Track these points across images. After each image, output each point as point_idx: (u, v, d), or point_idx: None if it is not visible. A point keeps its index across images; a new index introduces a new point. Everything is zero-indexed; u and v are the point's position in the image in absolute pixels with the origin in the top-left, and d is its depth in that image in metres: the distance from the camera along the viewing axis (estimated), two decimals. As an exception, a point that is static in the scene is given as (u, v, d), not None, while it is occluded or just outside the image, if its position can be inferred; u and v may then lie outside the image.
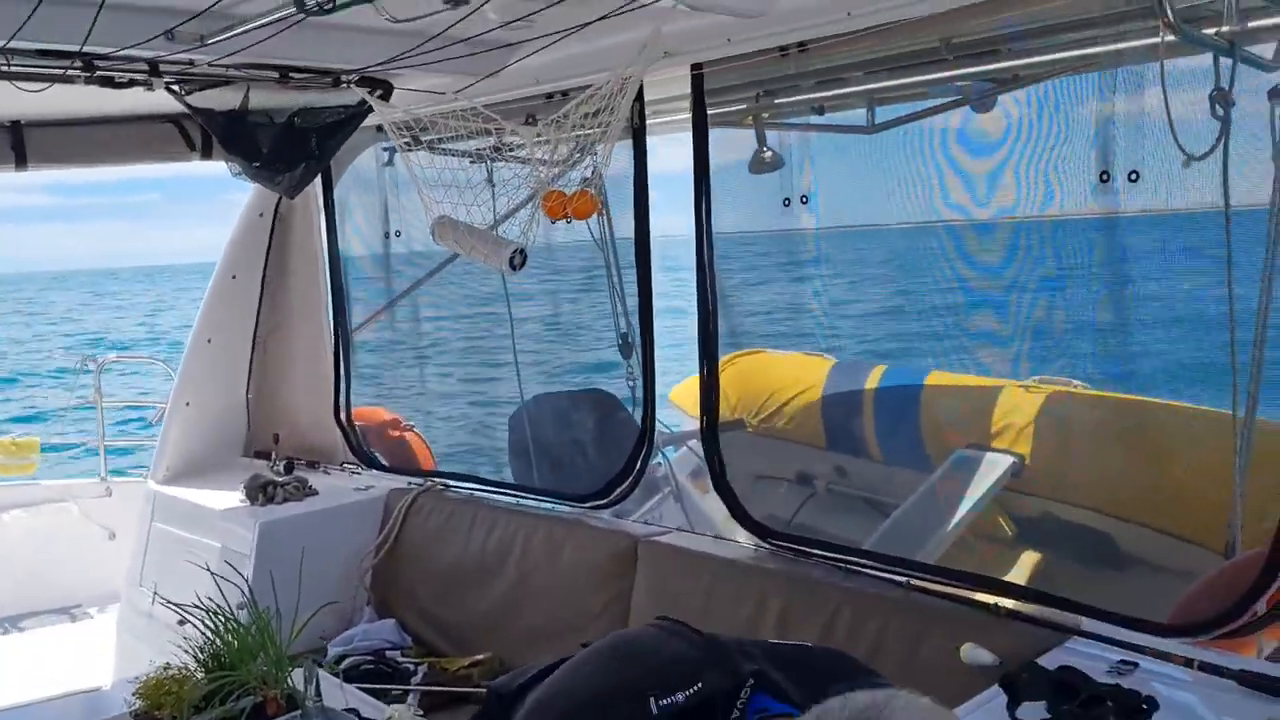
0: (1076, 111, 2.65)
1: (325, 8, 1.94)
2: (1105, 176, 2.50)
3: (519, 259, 2.71)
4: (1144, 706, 1.75)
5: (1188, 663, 2.02)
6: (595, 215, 2.90)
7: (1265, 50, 2.39)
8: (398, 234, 4.32)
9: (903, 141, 3.26)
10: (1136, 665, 2.05)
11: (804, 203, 3.32)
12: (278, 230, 4.43)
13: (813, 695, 1.27)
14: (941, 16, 2.50)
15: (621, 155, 3.35)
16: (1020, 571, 3.38)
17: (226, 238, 4.42)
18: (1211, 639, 2.09)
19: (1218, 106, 2.37)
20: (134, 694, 2.45)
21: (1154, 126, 2.43)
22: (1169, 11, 2.16)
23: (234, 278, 4.39)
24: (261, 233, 4.39)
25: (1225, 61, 2.37)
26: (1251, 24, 2.31)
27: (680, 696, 1.28)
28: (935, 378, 4.09)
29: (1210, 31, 2.33)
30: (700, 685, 1.30)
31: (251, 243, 4.40)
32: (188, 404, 4.42)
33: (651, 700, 1.27)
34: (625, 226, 3.53)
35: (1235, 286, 2.45)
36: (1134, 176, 2.44)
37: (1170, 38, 2.21)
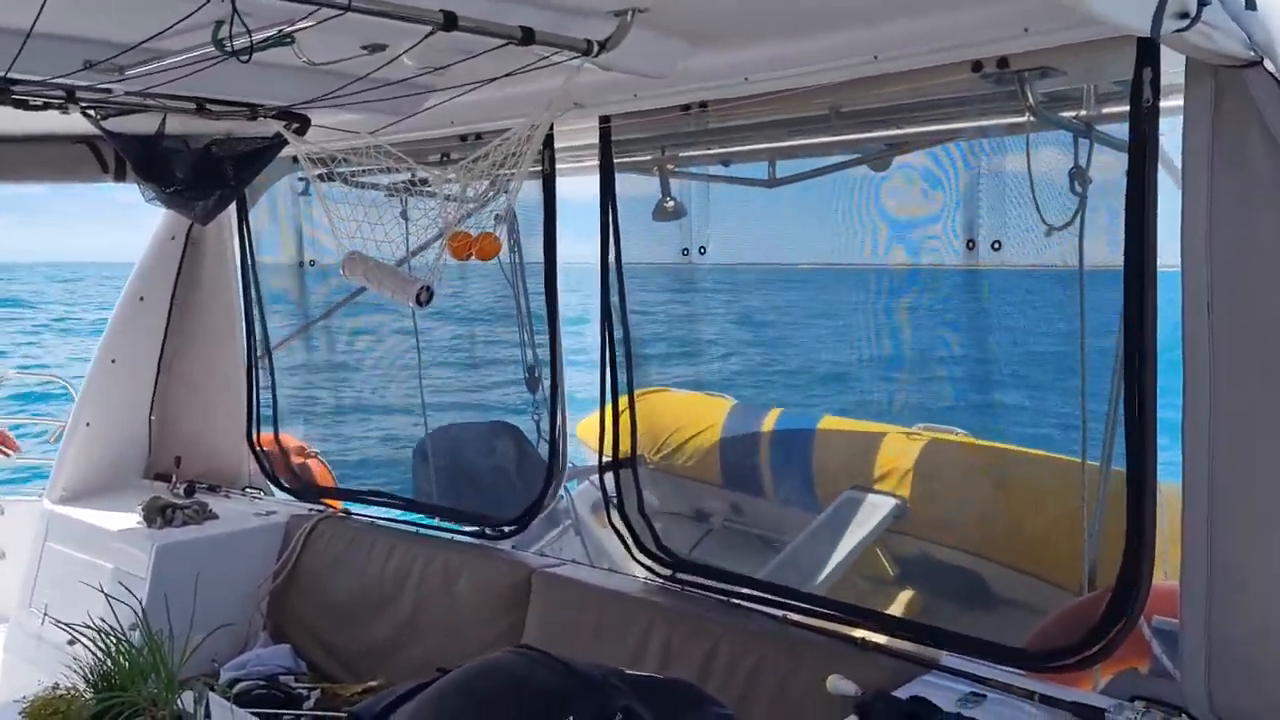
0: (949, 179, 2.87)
1: (244, 55, 2.02)
2: (971, 244, 2.70)
3: (425, 295, 2.80)
4: (982, 734, 1.90)
5: (1029, 695, 2.19)
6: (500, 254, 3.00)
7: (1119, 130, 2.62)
8: (312, 263, 4.37)
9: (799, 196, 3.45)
10: (985, 697, 2.21)
11: (701, 253, 3.49)
12: (189, 254, 4.44)
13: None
14: (831, 87, 2.69)
15: (533, 188, 3.48)
16: (898, 608, 3.55)
17: (136, 259, 4.43)
18: (1056, 670, 2.27)
19: (1076, 184, 2.60)
20: (20, 713, 2.46)
21: (1018, 198, 2.65)
22: (1030, 97, 2.38)
23: (141, 299, 4.39)
24: (172, 256, 4.40)
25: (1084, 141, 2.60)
26: (1105, 110, 2.54)
27: None
28: (827, 422, 4.28)
29: (1069, 115, 2.56)
30: (571, 718, 1.34)
31: (161, 266, 4.40)
32: (88, 424, 4.39)
33: None
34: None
35: (1089, 339, 2.67)
36: (997, 245, 2.64)
37: (1031, 118, 2.43)
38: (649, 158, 3.55)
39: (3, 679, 4.30)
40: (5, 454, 4.06)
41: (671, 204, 3.53)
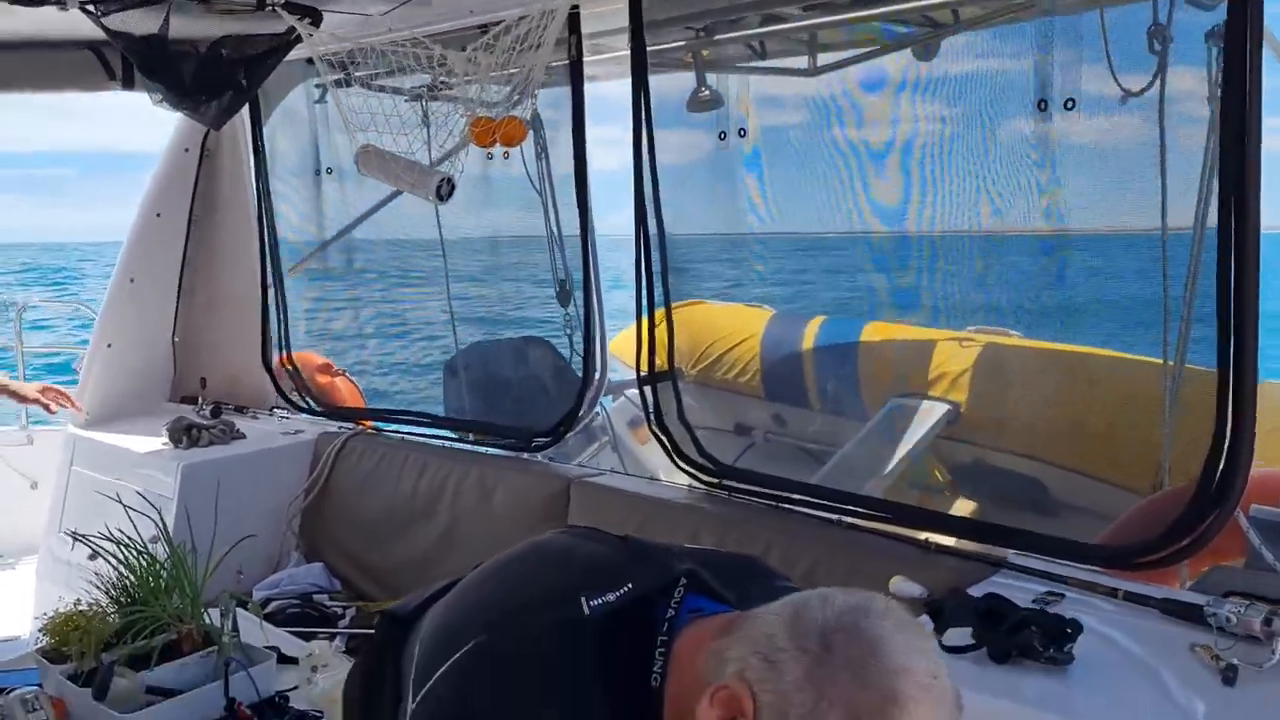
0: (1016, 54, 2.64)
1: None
2: (1043, 105, 2.48)
3: (446, 188, 2.64)
4: (1068, 630, 1.74)
5: (1112, 592, 2.03)
6: (525, 143, 2.81)
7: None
8: (329, 171, 4.20)
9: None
10: (1062, 596, 2.05)
11: (741, 135, 3.27)
12: (205, 168, 4.28)
13: (740, 597, 1.23)
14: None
15: (561, 95, 3.29)
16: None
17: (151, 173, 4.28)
18: (1140, 568, 2.10)
19: (1155, 42, 2.36)
20: (41, 630, 2.37)
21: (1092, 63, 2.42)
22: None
23: (158, 215, 4.24)
24: (188, 170, 4.24)
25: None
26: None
27: (611, 596, 1.18)
28: (872, 328, 4.09)
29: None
30: (631, 585, 1.20)
31: (177, 180, 4.25)
32: (109, 345, 4.27)
33: (583, 600, 1.17)
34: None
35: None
36: (1070, 104, 2.42)
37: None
38: (683, 44, 3.33)
39: (37, 606, 4.26)
40: (56, 408, 3.95)
41: (707, 93, 3.31)
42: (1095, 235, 2.96)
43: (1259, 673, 1.67)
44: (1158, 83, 2.35)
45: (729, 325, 4.60)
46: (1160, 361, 2.53)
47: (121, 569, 2.35)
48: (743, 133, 3.22)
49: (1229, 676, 1.66)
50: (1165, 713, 1.62)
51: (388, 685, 1.39)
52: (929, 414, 3.67)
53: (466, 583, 1.34)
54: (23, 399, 3.93)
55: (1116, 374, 3.27)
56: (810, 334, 4.34)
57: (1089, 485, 3.18)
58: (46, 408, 3.93)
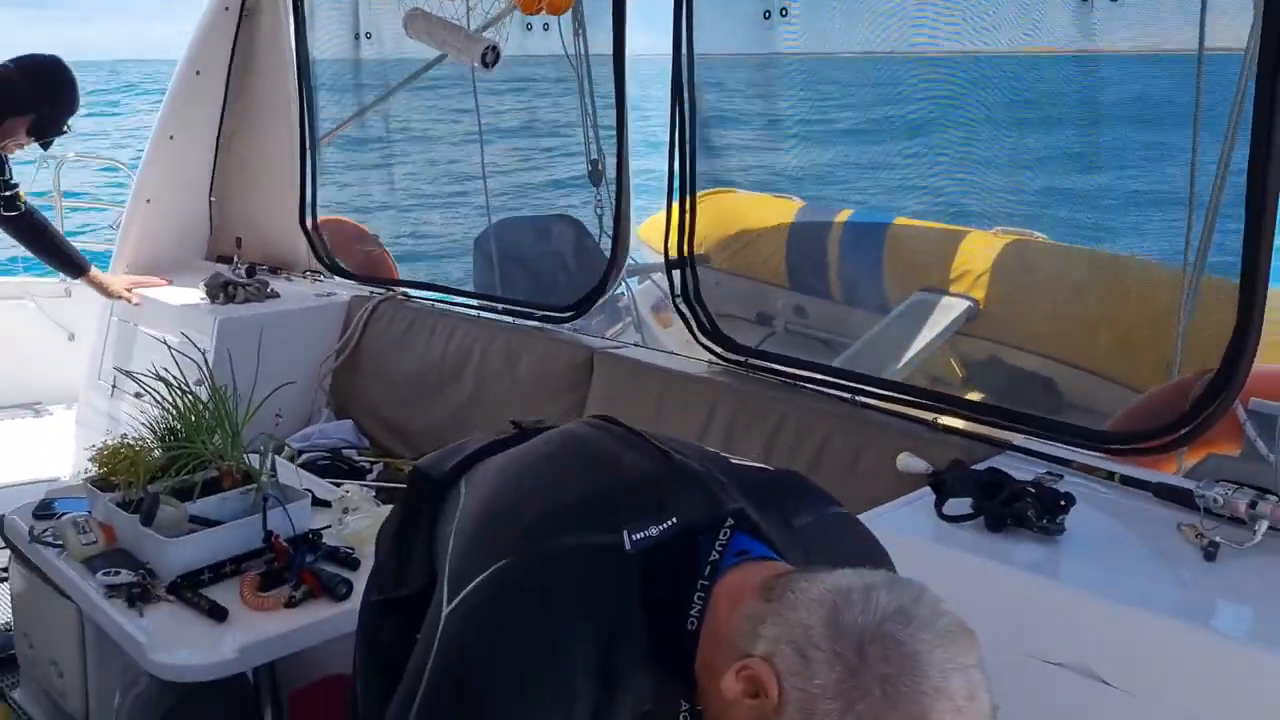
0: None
1: None
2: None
3: (491, 55, 2.68)
4: (1061, 503, 1.84)
5: (1109, 475, 2.12)
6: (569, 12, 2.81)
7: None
8: (368, 36, 4.21)
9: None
10: (1061, 476, 2.13)
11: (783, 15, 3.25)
12: (244, 27, 4.29)
13: (783, 532, 1.22)
14: None
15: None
16: (964, 407, 3.47)
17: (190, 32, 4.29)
18: (1135, 453, 2.19)
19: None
20: (90, 459, 2.50)
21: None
22: None
23: (198, 73, 4.27)
24: (227, 28, 4.25)
25: None
26: None
27: (654, 530, 1.15)
28: (899, 223, 4.12)
29: None
30: (675, 520, 1.16)
31: (216, 38, 4.27)
32: (148, 201, 4.36)
33: (625, 533, 1.14)
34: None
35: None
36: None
37: None
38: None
39: (77, 450, 4.44)
40: (139, 300, 4.07)
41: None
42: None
43: (1239, 551, 1.76)
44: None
45: (757, 214, 4.61)
46: (1179, 269, 2.57)
47: (166, 406, 2.47)
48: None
49: (1210, 552, 1.76)
50: (1147, 580, 1.73)
51: (420, 535, 1.41)
52: (950, 309, 3.73)
53: (506, 472, 1.32)
54: (108, 293, 4.04)
55: (1136, 277, 3.31)
56: (837, 226, 4.36)
57: (1099, 384, 3.25)
58: (130, 301, 4.05)
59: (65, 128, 3.60)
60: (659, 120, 3.39)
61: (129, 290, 4.04)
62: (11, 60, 3.50)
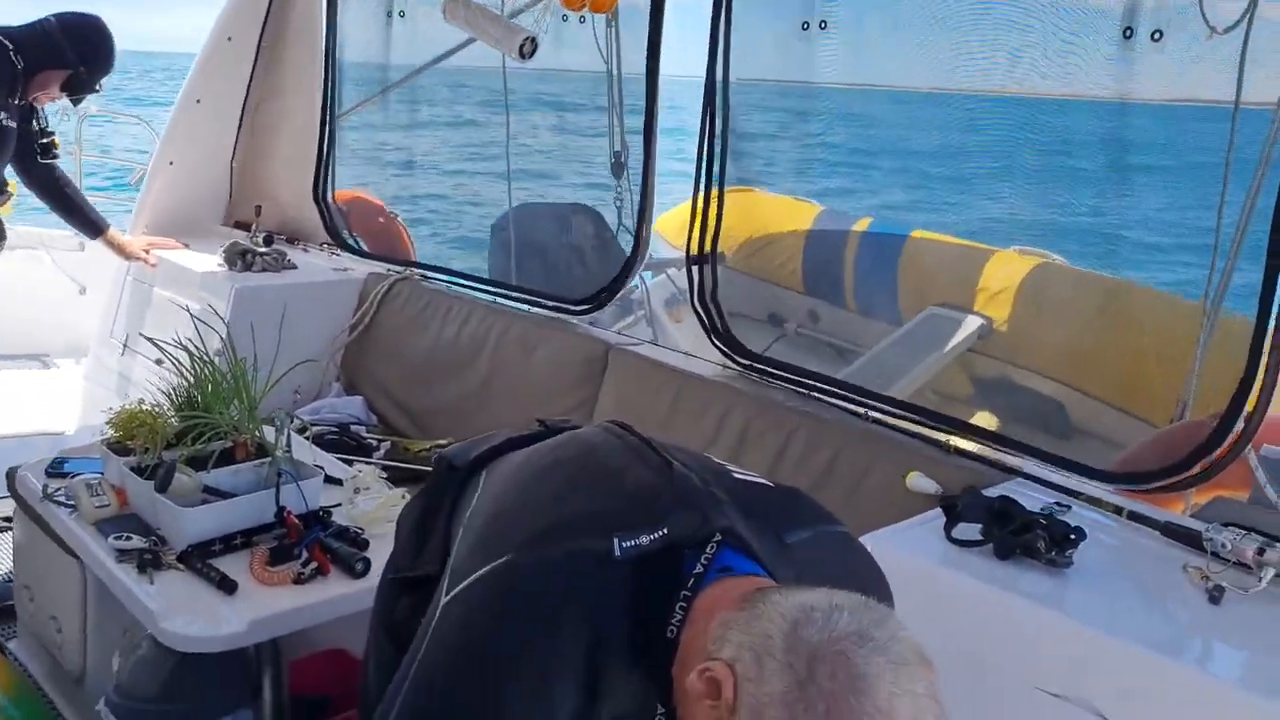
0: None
1: None
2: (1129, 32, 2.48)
3: (529, 46, 2.68)
4: (1071, 536, 1.86)
5: (1117, 510, 2.14)
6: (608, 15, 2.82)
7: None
8: (401, 14, 4.21)
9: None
10: (1069, 508, 2.15)
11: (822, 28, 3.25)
12: (277, -2, 4.30)
13: (773, 551, 1.26)
14: None
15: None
16: (972, 429, 3.49)
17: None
18: (1145, 492, 2.21)
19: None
20: (107, 423, 2.51)
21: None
22: None
23: (230, 39, 4.28)
24: (261, -2, 4.26)
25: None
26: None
27: (644, 539, 1.19)
28: (918, 235, 4.14)
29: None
30: (665, 531, 1.21)
31: (250, 7, 4.27)
32: (171, 163, 4.37)
33: (616, 540, 1.19)
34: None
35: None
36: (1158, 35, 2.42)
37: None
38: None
39: (84, 406, 4.46)
40: (156, 260, 4.08)
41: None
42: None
43: (1244, 596, 1.78)
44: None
45: (777, 216, 4.63)
46: (1198, 304, 2.58)
47: (186, 374, 2.48)
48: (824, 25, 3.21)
49: (1215, 596, 1.78)
50: (1150, 618, 1.75)
51: (440, 519, 1.46)
52: (963, 325, 3.74)
53: (520, 472, 1.38)
54: (126, 255, 4.06)
55: (1152, 309, 3.33)
56: (856, 234, 4.39)
57: (1107, 413, 3.27)
58: (147, 263, 4.07)
59: (98, 86, 3.63)
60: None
61: (146, 252, 4.06)
62: (55, 15, 3.53)
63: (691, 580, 1.19)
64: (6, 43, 3.43)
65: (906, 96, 3.67)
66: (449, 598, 1.25)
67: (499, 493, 1.37)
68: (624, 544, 1.19)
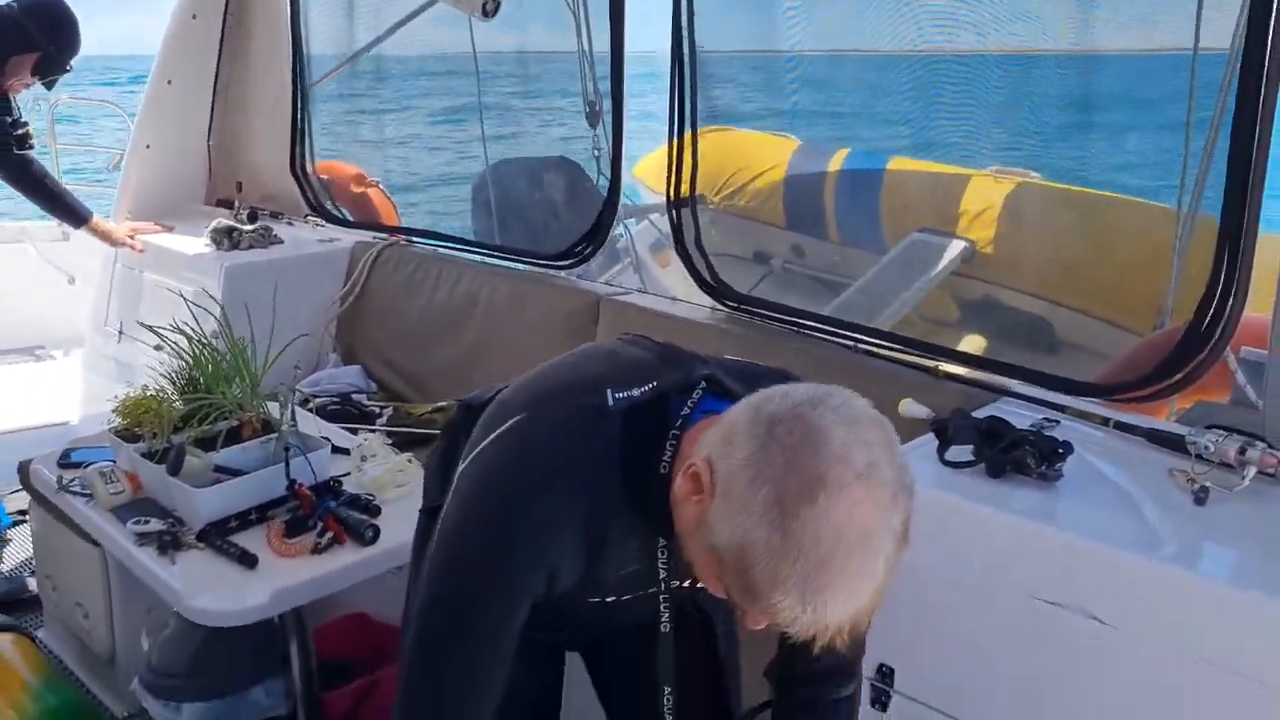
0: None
1: None
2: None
3: (492, 4, 2.67)
4: (1059, 450, 1.91)
5: (1104, 421, 2.19)
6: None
7: None
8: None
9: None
10: (1057, 423, 2.21)
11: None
12: (238, -31, 4.26)
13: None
14: None
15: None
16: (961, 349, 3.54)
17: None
18: (1128, 401, 2.27)
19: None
20: (113, 411, 2.56)
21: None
22: None
23: (194, 17, 4.25)
24: (221, -30, 4.22)
25: None
26: None
27: (635, 391, 1.33)
28: (897, 163, 4.15)
29: None
30: (655, 383, 1.34)
31: (211, -18, 4.24)
32: (148, 146, 4.36)
33: (608, 392, 1.32)
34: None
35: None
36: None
37: None
38: None
39: (85, 396, 4.50)
40: (141, 246, 4.09)
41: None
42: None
43: (1228, 495, 1.84)
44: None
45: (754, 153, 4.65)
46: (1174, 209, 2.62)
47: (186, 357, 2.52)
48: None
49: (1200, 497, 1.84)
50: (1138, 523, 1.81)
51: (460, 451, 1.54)
52: (946, 249, 3.78)
53: (528, 374, 1.52)
54: (112, 241, 4.06)
55: (1130, 219, 3.36)
56: (835, 165, 4.40)
57: (1093, 325, 3.32)
58: (133, 248, 4.07)
59: (68, 66, 3.63)
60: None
61: (131, 237, 4.07)
62: (14, 1, 3.52)
63: (679, 421, 1.32)
64: None
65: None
66: (465, 464, 1.39)
67: (510, 388, 1.50)
68: (616, 395, 1.32)
